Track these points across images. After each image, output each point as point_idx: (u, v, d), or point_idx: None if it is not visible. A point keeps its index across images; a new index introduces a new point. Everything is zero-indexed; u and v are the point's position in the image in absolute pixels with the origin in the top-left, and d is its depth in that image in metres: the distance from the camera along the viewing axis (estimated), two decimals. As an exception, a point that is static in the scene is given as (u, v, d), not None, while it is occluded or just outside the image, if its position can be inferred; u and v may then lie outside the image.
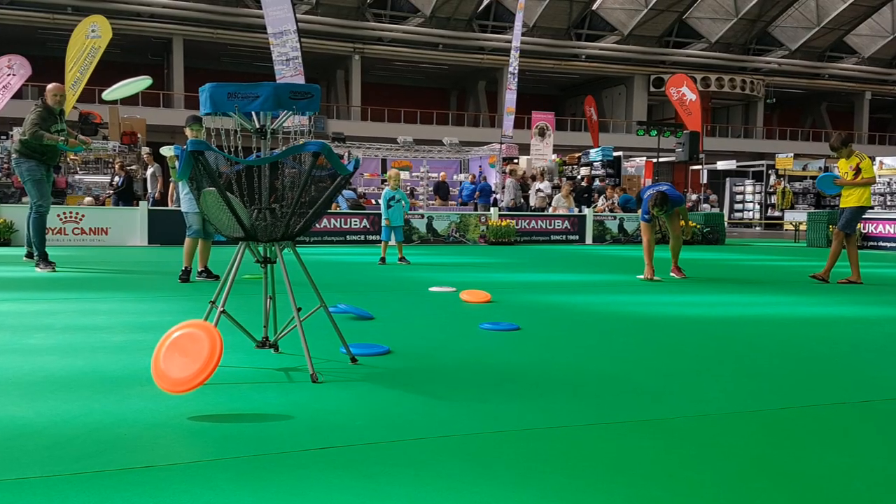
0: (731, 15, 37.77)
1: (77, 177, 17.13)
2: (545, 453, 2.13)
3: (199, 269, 6.69)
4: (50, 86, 7.32)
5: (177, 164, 3.24)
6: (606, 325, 4.53)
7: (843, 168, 7.45)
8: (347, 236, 13.52)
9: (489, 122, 37.09)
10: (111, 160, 17.25)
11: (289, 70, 23.06)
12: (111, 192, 15.22)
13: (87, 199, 15.63)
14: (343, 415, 2.51)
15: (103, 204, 15.32)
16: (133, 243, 12.10)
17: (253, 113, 3.06)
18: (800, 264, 10.13)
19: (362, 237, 13.57)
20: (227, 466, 1.98)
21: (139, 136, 18.54)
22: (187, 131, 6.43)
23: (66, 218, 11.88)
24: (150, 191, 15.09)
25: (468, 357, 3.45)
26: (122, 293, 5.70)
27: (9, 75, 16.92)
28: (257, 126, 3.11)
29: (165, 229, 12.10)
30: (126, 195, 14.60)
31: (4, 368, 3.12)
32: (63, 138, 7.16)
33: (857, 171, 7.27)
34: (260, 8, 31.87)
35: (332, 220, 13.57)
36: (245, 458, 2.04)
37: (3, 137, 18.01)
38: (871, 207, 7.36)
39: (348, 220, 13.71)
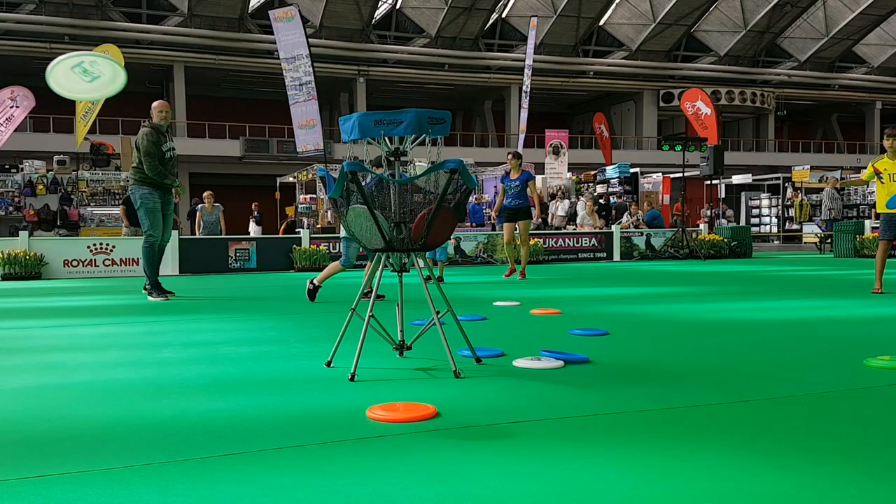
0: (739, 27, 38.20)
1: (89, 209, 17.17)
2: (701, 424, 2.36)
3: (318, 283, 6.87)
4: (155, 104, 7.34)
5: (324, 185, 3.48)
6: (686, 329, 4.76)
7: (887, 167, 6.92)
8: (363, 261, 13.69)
9: (497, 142, 37.45)
10: (122, 191, 17.16)
11: (302, 95, 23.42)
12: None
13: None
14: (504, 400, 2.75)
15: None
16: (164, 273, 12.28)
17: (386, 138, 3.34)
18: (842, 272, 10.34)
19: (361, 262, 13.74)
20: (428, 438, 2.22)
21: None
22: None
23: (96, 249, 12.10)
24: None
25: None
26: (224, 315, 5.97)
27: (12, 107, 16.67)
28: (391, 149, 3.38)
29: (197, 257, 12.40)
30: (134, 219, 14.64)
31: (159, 376, 3.38)
32: (178, 183, 7.34)
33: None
34: (263, 32, 32.57)
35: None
36: (449, 430, 2.29)
37: (12, 171, 17.88)
38: None
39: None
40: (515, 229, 9.51)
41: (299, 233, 14.06)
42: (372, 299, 3.37)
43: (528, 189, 9.40)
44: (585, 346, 4.07)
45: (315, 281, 6.85)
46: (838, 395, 2.88)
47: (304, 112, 21.05)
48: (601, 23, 37.29)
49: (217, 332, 4.90)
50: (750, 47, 39.24)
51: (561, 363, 3.45)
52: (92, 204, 17.28)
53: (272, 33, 21.66)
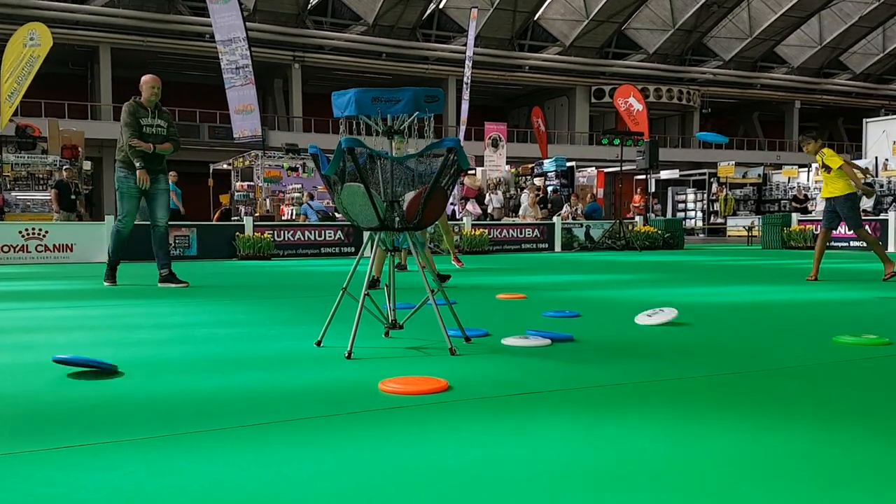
0: (668, 26, 39.35)
1: (13, 194, 16.36)
2: (700, 393, 2.48)
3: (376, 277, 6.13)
4: (145, 77, 6.71)
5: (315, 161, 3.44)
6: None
7: (818, 162, 7.32)
8: (322, 248, 13.61)
9: (435, 134, 37.41)
10: (47, 175, 16.48)
11: (239, 79, 22.94)
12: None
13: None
14: (506, 373, 2.81)
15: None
16: (99, 259, 11.75)
17: (381, 116, 3.34)
18: (776, 262, 10.84)
19: (337, 249, 13.68)
20: (451, 406, 2.27)
21: (80, 149, 17.89)
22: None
23: (28, 235, 11.58)
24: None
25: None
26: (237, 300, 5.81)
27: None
28: (384, 127, 3.38)
29: (133, 244, 11.94)
30: (67, 203, 14.19)
31: (146, 355, 3.30)
32: (149, 144, 6.57)
33: (826, 167, 7.15)
34: (194, 14, 31.65)
35: (306, 233, 13.66)
36: (464, 401, 2.33)
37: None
38: (857, 194, 7.18)
39: (322, 232, 13.80)
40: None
41: (237, 220, 13.78)
42: (367, 279, 3.37)
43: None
44: (563, 326, 4.17)
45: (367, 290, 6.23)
46: (818, 367, 3.06)
47: (241, 96, 20.56)
48: (536, 17, 37.76)
49: (186, 315, 4.79)
50: (678, 46, 40.48)
51: (548, 341, 3.53)
52: (16, 189, 16.43)
53: (204, 15, 21.08)
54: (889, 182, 20.68)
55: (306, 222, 15.46)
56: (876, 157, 21.45)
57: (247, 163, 20.67)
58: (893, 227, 13.93)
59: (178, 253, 12.40)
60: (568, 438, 2.06)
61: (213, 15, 22.02)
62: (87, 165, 17.60)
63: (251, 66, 22.33)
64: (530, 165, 24.35)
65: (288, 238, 13.37)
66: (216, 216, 20.85)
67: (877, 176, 20.64)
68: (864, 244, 7.22)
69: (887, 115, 31.95)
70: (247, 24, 22.92)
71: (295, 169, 20.62)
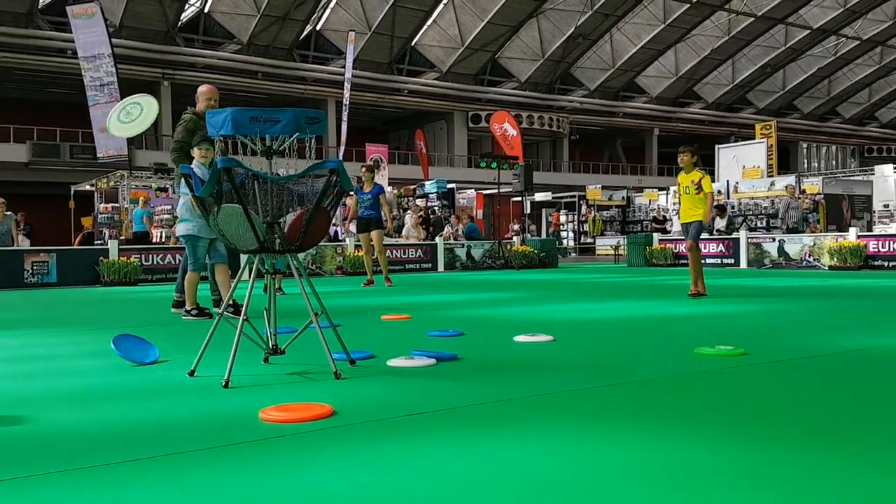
0: (538, 56, 40.98)
1: None
2: (576, 406, 2.58)
3: (190, 308, 5.86)
4: (203, 88, 6.16)
5: (182, 182, 3.32)
6: (531, 328, 5.07)
7: (683, 182, 7.64)
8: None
9: (315, 155, 37.10)
10: None
11: (104, 96, 21.90)
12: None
13: None
14: (391, 396, 2.80)
15: None
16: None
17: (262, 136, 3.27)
18: (640, 279, 11.43)
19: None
20: (343, 433, 2.23)
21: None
22: (196, 151, 5.67)
23: None
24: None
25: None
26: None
27: None
28: (263, 148, 3.32)
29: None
30: None
31: (2, 389, 3.04)
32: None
33: (699, 186, 7.47)
34: (54, 29, 29.85)
35: (178, 256, 13.09)
36: (350, 426, 2.30)
37: None
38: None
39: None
40: (371, 239, 10.16)
41: (100, 244, 13.01)
42: (246, 302, 3.26)
43: (381, 201, 10.09)
44: (447, 345, 4.21)
45: (189, 308, 5.90)
46: (681, 378, 3.25)
47: (106, 114, 19.31)
48: (413, 43, 38.31)
49: (45, 347, 4.45)
50: (547, 75, 42.23)
51: (433, 361, 3.55)
52: None
53: (65, 30, 19.93)
54: (740, 203, 22.39)
55: (177, 245, 14.81)
56: (728, 181, 23.19)
57: (112, 183, 19.59)
58: (744, 245, 15.08)
59: (35, 280, 11.54)
60: (453, 458, 2.08)
61: (76, 31, 20.90)
62: None
63: (117, 83, 21.31)
64: (412, 187, 24.54)
65: (157, 262, 12.75)
66: (77, 240, 19.59)
67: (728, 198, 22.32)
68: (689, 260, 7.76)
69: (737, 141, 34.67)
70: (113, 40, 21.88)
71: (164, 189, 19.75)
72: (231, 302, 5.49)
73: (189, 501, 1.75)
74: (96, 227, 19.70)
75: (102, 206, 19.80)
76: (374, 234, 10.10)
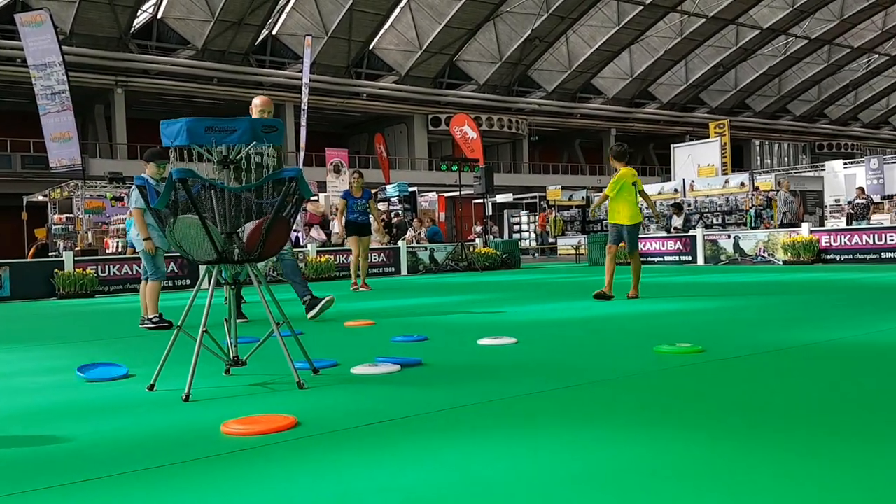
0: (495, 59, 41.22)
1: None
2: (539, 408, 2.61)
3: (153, 316, 5.95)
4: (257, 100, 5.84)
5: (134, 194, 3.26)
6: (494, 330, 5.10)
7: (633, 179, 7.42)
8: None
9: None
10: None
11: (55, 105, 21.39)
12: None
13: None
14: (355, 404, 2.79)
15: None
16: None
17: (218, 146, 3.23)
18: (600, 279, 11.55)
19: (170, 282, 12.96)
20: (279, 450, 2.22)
21: None
22: (150, 167, 5.74)
23: None
24: None
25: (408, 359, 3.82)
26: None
27: None
28: (220, 158, 3.28)
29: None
30: None
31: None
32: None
33: (639, 190, 7.42)
34: (2, 37, 29.08)
35: (135, 266, 12.85)
36: (315, 437, 2.29)
37: None
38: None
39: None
40: (363, 244, 10.26)
41: (55, 256, 12.72)
42: (205, 314, 3.22)
43: (371, 206, 10.22)
44: (411, 350, 4.21)
45: (150, 317, 5.98)
46: (640, 376, 3.31)
47: (58, 123, 19.10)
48: (371, 47, 38.22)
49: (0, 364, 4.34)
50: (505, 77, 42.49)
51: (398, 367, 3.55)
52: None
53: (14, 38, 19.45)
54: (696, 201, 22.80)
55: (135, 255, 14.55)
56: (683, 179, 23.61)
57: (65, 193, 19.16)
58: (701, 242, 15.37)
59: (-15, 295, 11.22)
60: (417, 465, 2.08)
61: (25, 38, 20.39)
62: None
63: (69, 91, 20.84)
64: (374, 191, 24.47)
65: (114, 273, 12.50)
66: (31, 252, 19.10)
67: (685, 196, 22.71)
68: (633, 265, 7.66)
69: (692, 140, 35.33)
70: (63, 47, 21.41)
71: (120, 198, 19.38)
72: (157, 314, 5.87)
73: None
74: (50, 239, 19.24)
75: (56, 216, 19.36)
76: (364, 239, 10.27)
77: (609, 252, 7.54)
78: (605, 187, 7.95)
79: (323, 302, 6.19)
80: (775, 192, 17.20)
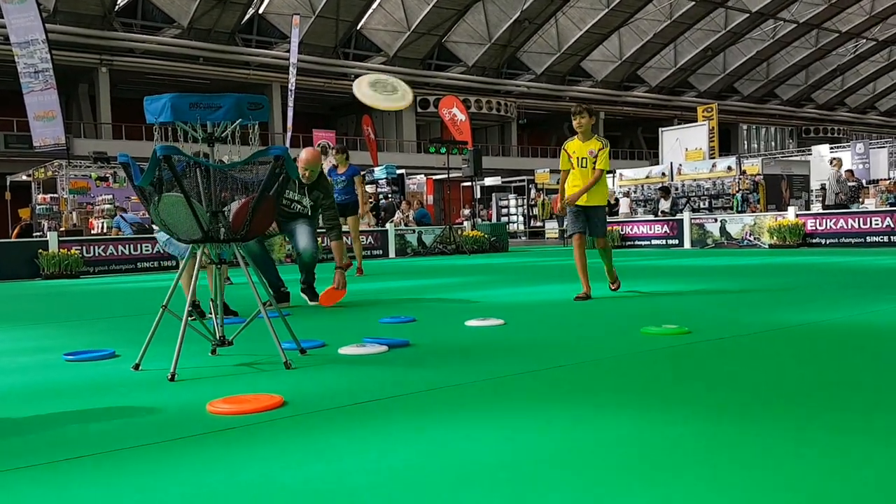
0: (484, 40, 40.99)
1: None
2: (528, 388, 2.61)
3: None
4: (303, 153, 5.75)
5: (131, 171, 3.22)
6: (483, 312, 5.10)
7: (579, 152, 5.85)
8: (138, 263, 12.76)
9: (261, 141, 36.48)
10: None
11: (38, 83, 21.09)
12: None
13: None
14: (343, 384, 2.79)
15: None
16: None
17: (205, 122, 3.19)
18: (589, 261, 11.57)
19: (155, 263, 12.88)
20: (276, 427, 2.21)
21: None
22: None
23: None
24: None
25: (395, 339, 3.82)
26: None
27: None
28: (205, 134, 3.24)
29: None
30: None
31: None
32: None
33: (594, 162, 5.80)
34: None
35: (120, 247, 12.76)
36: (302, 416, 2.28)
37: None
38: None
39: (138, 245, 12.94)
40: (345, 224, 9.21)
41: (39, 236, 12.60)
42: (191, 293, 3.20)
43: (356, 184, 9.25)
44: (398, 331, 4.20)
45: (190, 308, 5.66)
46: (627, 357, 3.32)
47: (42, 102, 18.84)
48: (359, 27, 37.89)
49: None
50: (494, 59, 42.28)
51: (385, 348, 3.55)
52: None
53: (-3, 15, 19.14)
54: (683, 185, 22.85)
55: (119, 236, 14.43)
56: (671, 163, 23.64)
57: (49, 173, 18.94)
58: (688, 225, 15.43)
59: (-32, 275, 11.11)
60: (405, 444, 2.08)
61: (8, 16, 20.07)
62: None
63: (52, 69, 20.53)
64: (362, 173, 24.37)
65: (99, 253, 12.40)
66: (15, 232, 18.90)
67: (672, 180, 22.76)
68: (603, 252, 6.27)
69: (680, 124, 35.35)
70: (46, 25, 21.08)
71: (105, 179, 19.19)
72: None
73: (134, 499, 1.71)
74: (34, 219, 19.04)
75: (41, 196, 19.14)
76: (350, 219, 9.36)
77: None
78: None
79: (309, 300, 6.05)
80: (835, 172, 16.22)
